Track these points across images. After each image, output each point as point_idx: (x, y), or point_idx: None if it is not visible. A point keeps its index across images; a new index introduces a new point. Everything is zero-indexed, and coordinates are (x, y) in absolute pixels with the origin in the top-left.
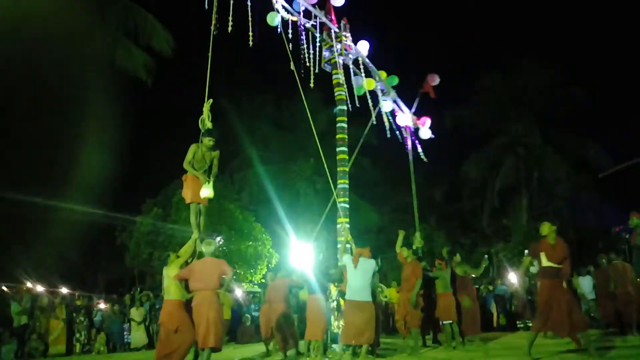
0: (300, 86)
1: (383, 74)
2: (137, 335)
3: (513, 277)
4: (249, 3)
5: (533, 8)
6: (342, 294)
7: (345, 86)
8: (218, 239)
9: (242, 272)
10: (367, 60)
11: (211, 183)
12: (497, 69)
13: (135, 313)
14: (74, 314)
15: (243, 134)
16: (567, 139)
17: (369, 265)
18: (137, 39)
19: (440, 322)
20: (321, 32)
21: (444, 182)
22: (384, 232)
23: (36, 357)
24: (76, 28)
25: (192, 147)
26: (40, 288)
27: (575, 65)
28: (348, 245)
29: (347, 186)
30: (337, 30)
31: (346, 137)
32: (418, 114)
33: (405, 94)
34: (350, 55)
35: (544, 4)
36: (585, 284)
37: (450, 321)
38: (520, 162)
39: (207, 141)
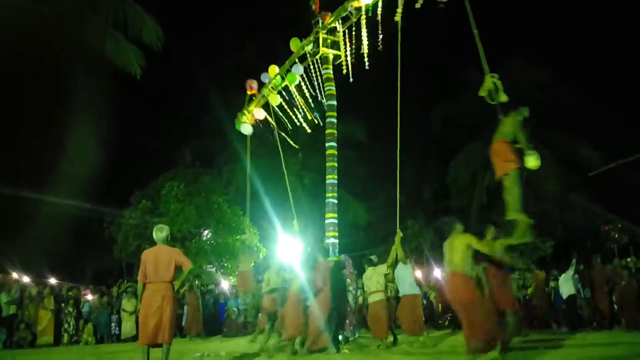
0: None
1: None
2: (127, 326)
3: None
4: None
5: (523, 6)
6: None
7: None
8: (206, 232)
9: (230, 266)
10: None
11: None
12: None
13: (127, 304)
14: (62, 305)
15: (231, 127)
16: (557, 137)
17: None
18: (126, 32)
19: None
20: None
21: (433, 179)
22: (372, 228)
23: (24, 347)
24: (65, 20)
25: (511, 121)
26: (26, 279)
27: (565, 64)
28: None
29: (335, 181)
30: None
31: (335, 132)
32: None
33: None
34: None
35: (533, 2)
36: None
37: None
38: None
39: (525, 112)
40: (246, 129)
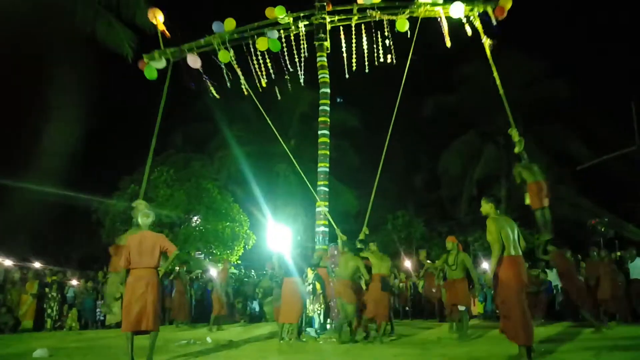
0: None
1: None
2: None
3: (487, 267)
4: None
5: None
6: (318, 277)
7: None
8: (195, 218)
9: (219, 253)
10: None
11: None
12: (480, 58)
13: None
14: (46, 289)
15: (223, 113)
16: (548, 130)
17: None
18: (119, 14)
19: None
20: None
21: (424, 169)
22: (362, 217)
23: (5, 332)
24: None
25: (538, 168)
26: (8, 262)
27: (558, 58)
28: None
29: (327, 169)
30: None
31: (328, 120)
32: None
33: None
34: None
35: None
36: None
37: (465, 307)
38: (500, 152)
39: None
40: (159, 63)
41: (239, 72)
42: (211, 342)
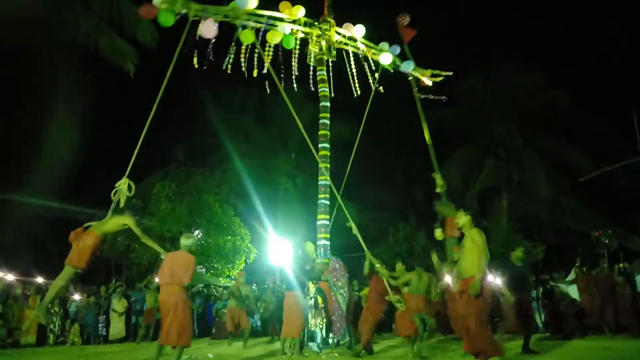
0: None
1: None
2: (117, 327)
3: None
4: None
5: (515, 10)
6: (319, 291)
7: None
8: (196, 232)
9: (220, 267)
10: None
11: None
12: (479, 71)
13: (118, 304)
14: (49, 304)
15: (224, 127)
16: (548, 141)
17: None
18: (121, 30)
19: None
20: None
21: (425, 181)
22: (362, 230)
23: (7, 348)
24: (58, 15)
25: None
26: (11, 277)
27: (557, 68)
28: None
29: (328, 183)
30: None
31: (328, 133)
32: None
33: None
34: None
35: (526, 6)
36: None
37: None
38: (500, 164)
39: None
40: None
41: (265, 55)
42: (212, 357)
